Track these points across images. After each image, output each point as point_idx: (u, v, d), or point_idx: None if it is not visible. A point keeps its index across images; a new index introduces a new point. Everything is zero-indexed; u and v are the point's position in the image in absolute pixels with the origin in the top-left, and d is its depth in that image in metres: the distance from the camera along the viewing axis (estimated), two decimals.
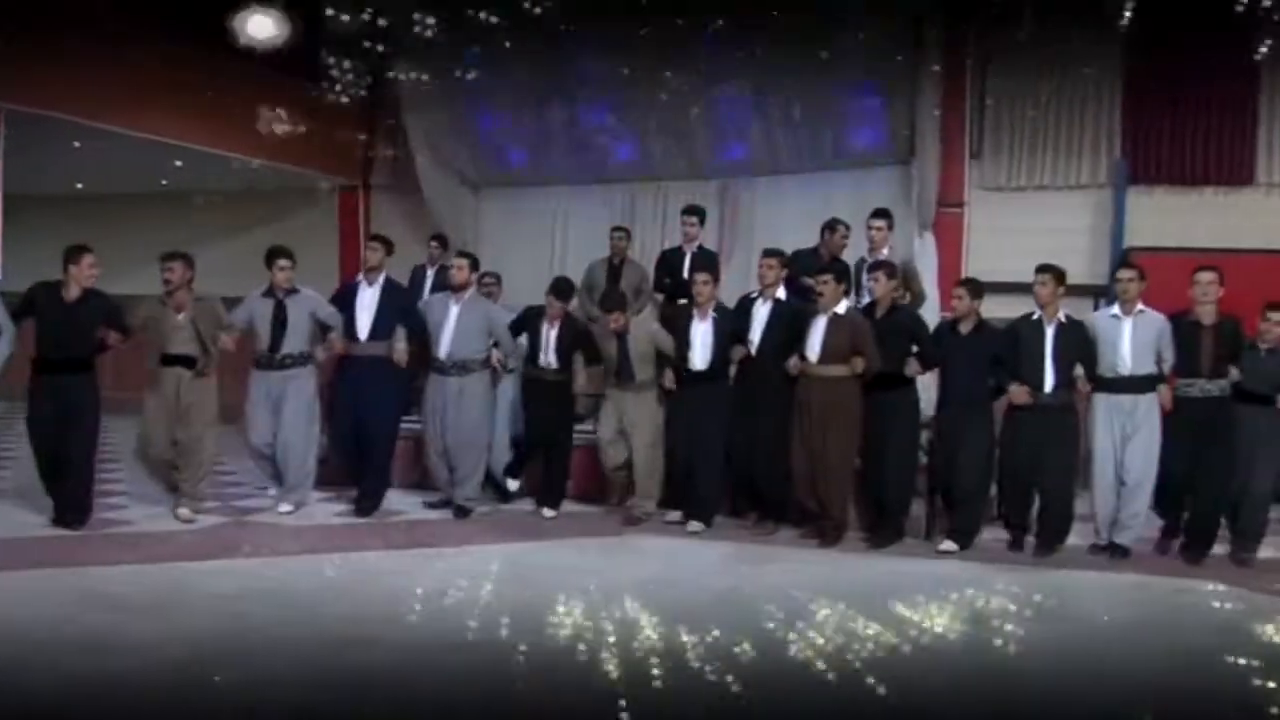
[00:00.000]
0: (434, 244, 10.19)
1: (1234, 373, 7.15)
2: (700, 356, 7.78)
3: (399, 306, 8.06)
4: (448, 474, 8.12)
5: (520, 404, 8.47)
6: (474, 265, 8.22)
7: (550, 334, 8.07)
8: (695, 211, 9.01)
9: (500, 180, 12.23)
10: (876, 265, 7.66)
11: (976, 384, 7.32)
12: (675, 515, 7.94)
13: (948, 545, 7.27)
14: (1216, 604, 6.20)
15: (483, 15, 9.38)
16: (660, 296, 8.75)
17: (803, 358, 7.43)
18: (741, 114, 10.83)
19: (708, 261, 8.71)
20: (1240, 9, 9.25)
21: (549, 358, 8.09)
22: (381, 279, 8.01)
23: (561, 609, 5.49)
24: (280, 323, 7.76)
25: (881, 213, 8.43)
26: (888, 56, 10.20)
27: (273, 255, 7.82)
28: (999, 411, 7.46)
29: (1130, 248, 10.17)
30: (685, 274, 8.61)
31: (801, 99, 10.49)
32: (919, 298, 8.41)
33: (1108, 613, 5.92)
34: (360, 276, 8.06)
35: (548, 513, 8.15)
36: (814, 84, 10.35)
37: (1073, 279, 8.10)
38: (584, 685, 4.39)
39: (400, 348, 7.96)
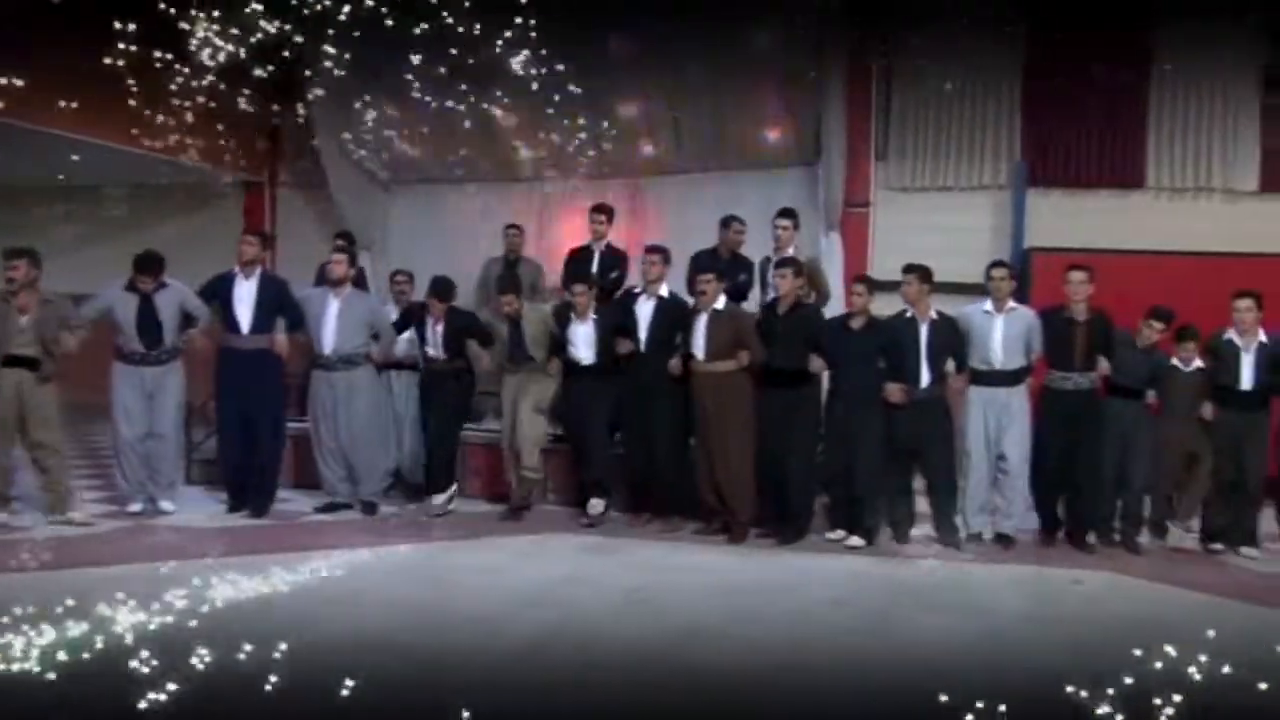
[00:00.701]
0: (341, 242, 10.07)
1: (1104, 365, 7.44)
2: (584, 354, 7.86)
3: (277, 299, 7.95)
4: (343, 473, 8.06)
5: (420, 400, 8.44)
6: (351, 261, 8.20)
7: (436, 329, 8.10)
8: (603, 209, 9.06)
9: (410, 178, 12.13)
10: (783, 262, 7.76)
11: (868, 380, 7.46)
12: (586, 518, 7.94)
13: (855, 540, 7.39)
14: (1094, 592, 6.42)
15: (392, 11, 9.31)
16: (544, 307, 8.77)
17: (690, 357, 7.51)
18: (651, 114, 10.88)
19: (616, 260, 8.77)
20: (1132, 17, 9.61)
21: (438, 352, 8.12)
22: (258, 272, 7.91)
23: (474, 610, 5.48)
24: (151, 318, 7.64)
25: (787, 212, 8.54)
26: (795, 58, 10.32)
27: (139, 268, 7.64)
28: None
29: (1030, 248, 10.45)
30: (594, 272, 8.67)
31: (710, 100, 10.57)
32: (825, 296, 8.53)
33: (1001, 603, 6.07)
34: (236, 270, 7.92)
35: (440, 499, 8.12)
36: (722, 85, 10.44)
37: (974, 278, 8.32)
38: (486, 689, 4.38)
39: (281, 339, 7.88)
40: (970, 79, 10.96)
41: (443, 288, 8.15)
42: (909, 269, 7.58)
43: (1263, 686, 4.58)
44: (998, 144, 11.06)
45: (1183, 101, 10.80)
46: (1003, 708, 4.15)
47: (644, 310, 7.81)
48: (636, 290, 7.97)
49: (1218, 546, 7.62)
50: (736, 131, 10.86)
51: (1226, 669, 4.80)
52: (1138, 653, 4.97)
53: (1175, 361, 7.65)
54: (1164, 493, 7.79)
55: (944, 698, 4.24)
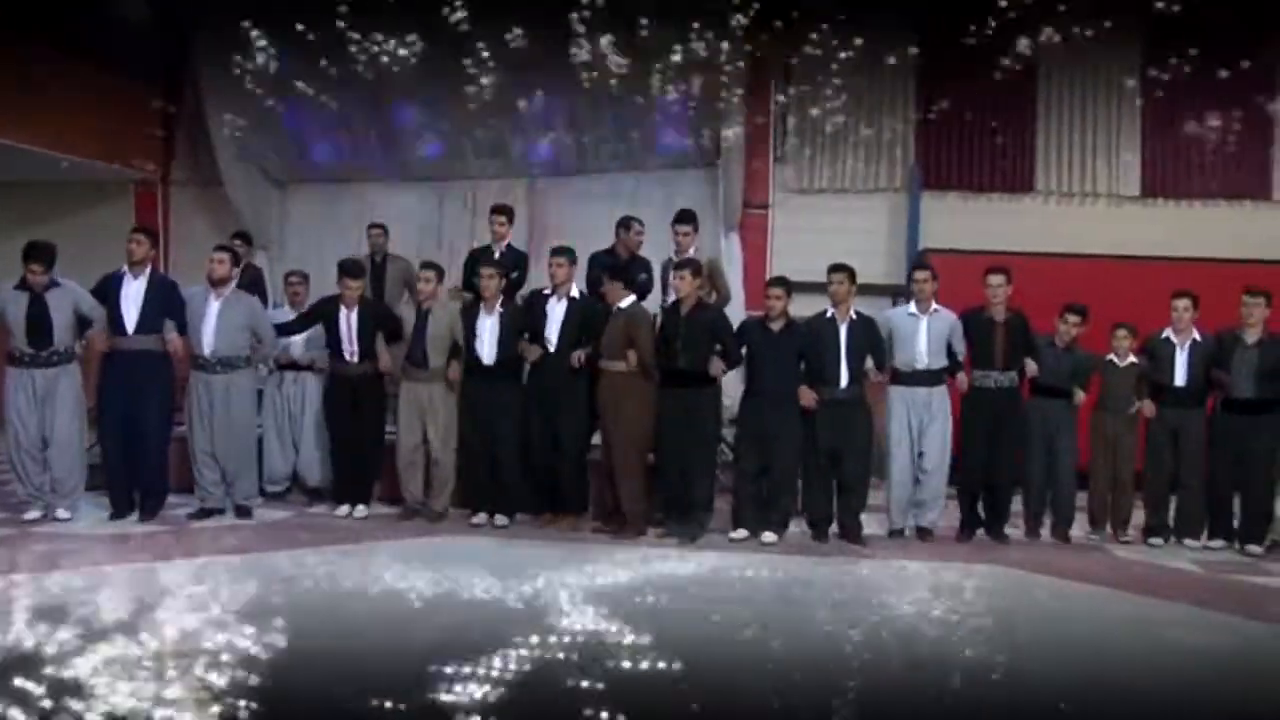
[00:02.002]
0: (237, 241, 9.90)
1: (1031, 366, 7.70)
2: (488, 350, 7.81)
3: (166, 299, 7.74)
4: (216, 477, 7.90)
5: (323, 405, 8.34)
6: (235, 260, 8.06)
7: (350, 319, 7.97)
8: (503, 211, 9.01)
9: (307, 177, 11.96)
10: (682, 263, 7.80)
11: (787, 379, 7.55)
12: (480, 518, 7.91)
13: (769, 536, 7.47)
14: (986, 586, 6.54)
15: (289, 8, 9.18)
16: (469, 295, 8.71)
17: (588, 355, 7.56)
18: (551, 114, 10.87)
19: (516, 261, 8.74)
20: (1021, 24, 9.85)
21: (351, 347, 7.99)
22: (147, 271, 7.70)
23: (375, 616, 5.41)
24: (41, 318, 7.45)
25: (686, 217, 8.56)
26: (694, 60, 10.38)
27: (28, 256, 7.45)
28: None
29: (924, 249, 10.66)
30: None
31: (610, 100, 10.59)
32: (725, 297, 8.60)
33: (912, 598, 6.13)
34: (124, 269, 7.71)
35: (360, 511, 8.05)
36: (623, 85, 10.45)
37: (871, 279, 8.51)
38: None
39: (173, 338, 7.70)
40: (866, 83, 11.15)
41: (353, 267, 8.06)
42: (836, 269, 7.71)
43: (1135, 677, 4.73)
44: (893, 147, 11.31)
45: (1069, 108, 11.18)
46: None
47: (555, 311, 7.81)
48: (546, 291, 7.95)
49: (1156, 541, 7.86)
50: (636, 132, 10.90)
51: (1113, 662, 4.96)
52: (1017, 644, 5.12)
53: (1111, 356, 7.93)
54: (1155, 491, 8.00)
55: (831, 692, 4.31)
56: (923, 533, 7.83)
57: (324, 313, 8.11)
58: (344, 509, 8.10)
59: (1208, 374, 7.79)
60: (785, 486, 7.63)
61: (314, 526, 7.81)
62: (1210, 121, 10.85)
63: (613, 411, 7.55)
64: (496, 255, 8.74)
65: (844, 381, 7.52)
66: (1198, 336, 7.79)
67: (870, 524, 7.84)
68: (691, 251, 8.39)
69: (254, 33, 9.37)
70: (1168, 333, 7.85)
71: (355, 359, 8.02)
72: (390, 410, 8.22)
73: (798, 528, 7.77)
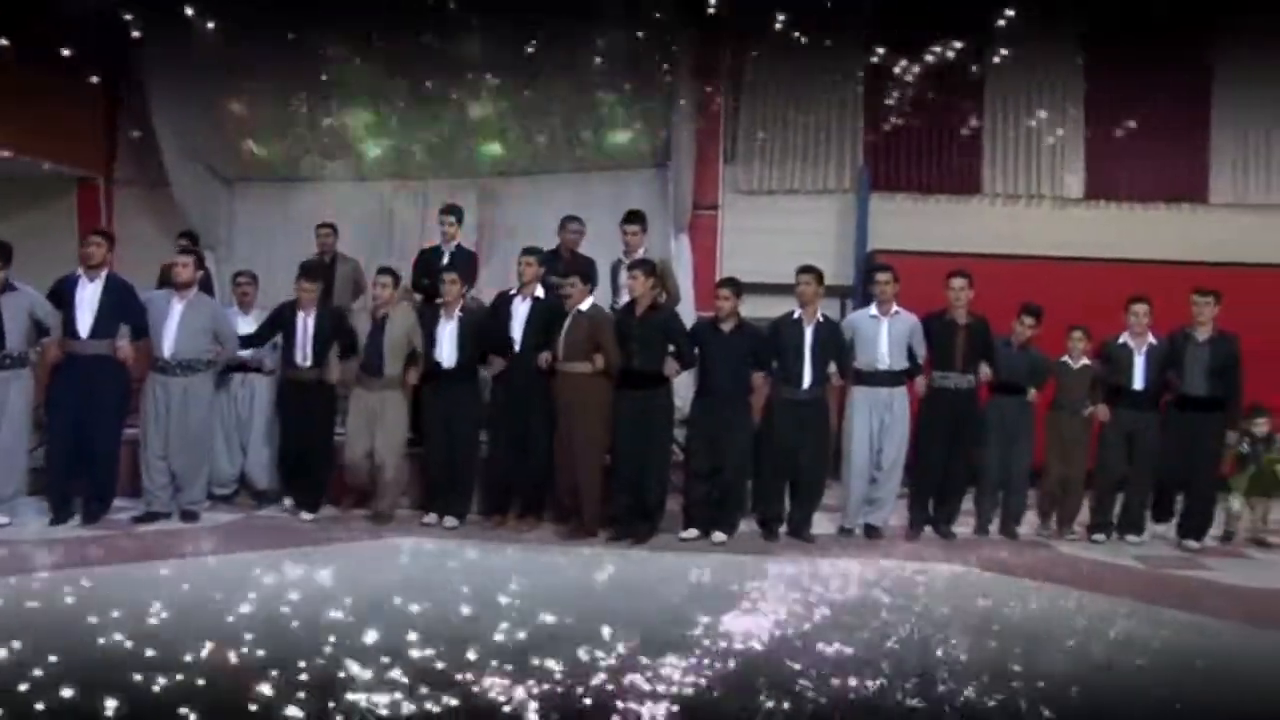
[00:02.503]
0: (184, 241, 9.79)
1: (985, 371, 7.81)
2: (447, 355, 7.79)
3: (123, 303, 7.65)
4: (165, 481, 7.81)
5: (275, 408, 8.28)
6: (199, 263, 8.00)
7: (307, 323, 7.94)
8: (453, 211, 8.98)
9: (255, 176, 11.84)
10: (636, 264, 7.83)
11: (737, 380, 7.60)
12: (431, 518, 7.89)
13: (719, 536, 7.51)
14: (936, 583, 6.63)
15: (236, 5, 9.10)
16: (419, 296, 8.69)
17: (555, 356, 7.55)
18: (501, 114, 10.84)
19: (465, 261, 8.72)
20: (968, 26, 9.98)
21: (306, 351, 7.94)
22: (104, 275, 7.60)
23: (327, 617, 5.37)
24: None
25: (635, 217, 8.61)
26: (644, 60, 10.41)
27: None
28: (756, 406, 7.80)
29: (873, 250, 10.76)
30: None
31: (560, 101, 10.59)
32: (674, 298, 8.62)
33: (860, 596, 6.22)
34: (79, 271, 7.61)
35: (305, 515, 7.99)
36: (572, 86, 10.47)
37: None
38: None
39: (124, 345, 7.60)
40: (815, 84, 11.24)
41: (313, 267, 8.02)
42: (804, 270, 7.77)
43: (1077, 667, 4.80)
44: (842, 149, 11.41)
45: (1015, 111, 11.33)
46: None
47: (519, 311, 7.79)
48: (511, 292, 7.93)
49: (1099, 538, 7.98)
50: (587, 133, 10.90)
51: (1059, 654, 5.03)
52: (964, 640, 5.18)
53: (1065, 358, 8.05)
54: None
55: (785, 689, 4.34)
56: (872, 531, 7.90)
57: (282, 319, 8.07)
58: (290, 510, 8.07)
59: (1163, 376, 7.92)
60: (736, 486, 7.68)
61: (264, 528, 7.74)
62: (1149, 126, 11.09)
63: (575, 413, 7.54)
64: (446, 255, 8.72)
65: (807, 383, 7.59)
66: (1153, 340, 7.93)
67: (821, 523, 7.90)
68: (641, 252, 8.42)
69: (200, 31, 9.27)
70: (1124, 337, 7.97)
71: (308, 364, 7.97)
72: (340, 414, 8.18)
73: (748, 527, 7.81)
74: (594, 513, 7.64)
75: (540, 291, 7.87)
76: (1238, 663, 5.07)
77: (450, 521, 7.82)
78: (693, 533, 7.58)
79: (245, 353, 8.29)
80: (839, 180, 11.40)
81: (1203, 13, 10.69)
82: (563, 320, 7.60)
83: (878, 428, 7.81)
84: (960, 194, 11.41)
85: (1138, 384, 7.91)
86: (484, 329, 7.88)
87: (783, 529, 7.77)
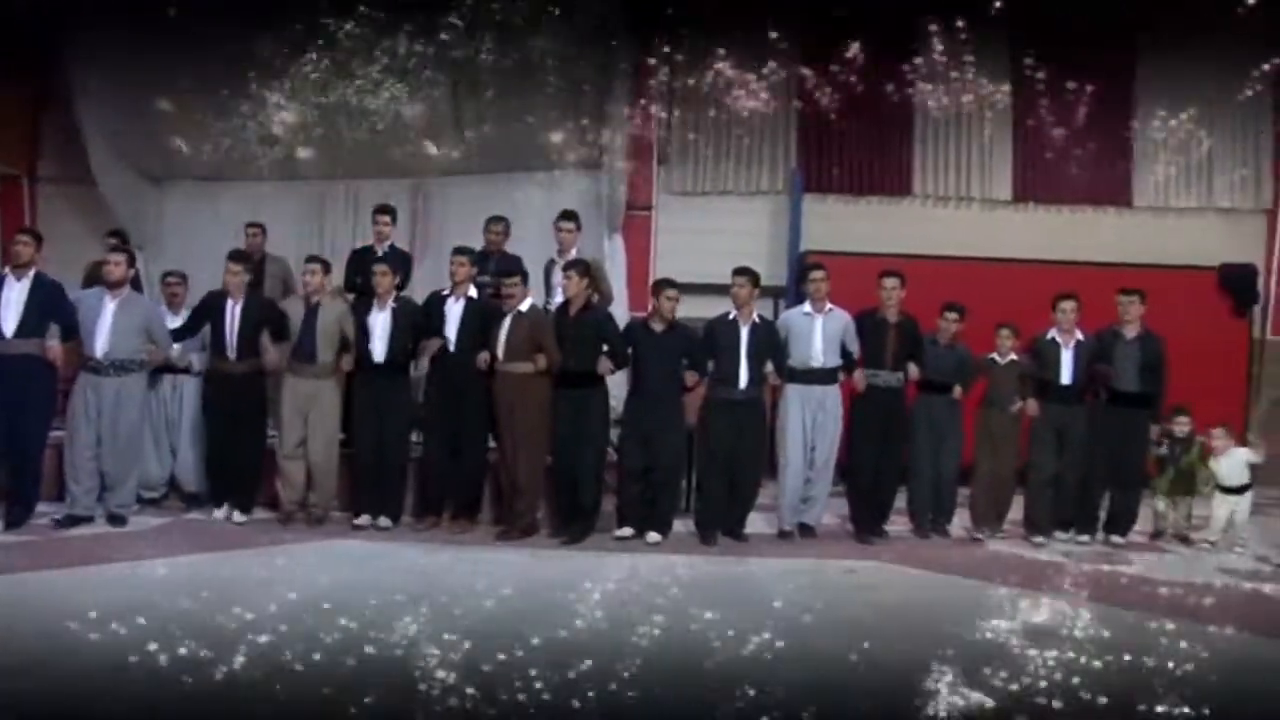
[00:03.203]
0: (112, 240, 9.63)
1: (914, 370, 7.91)
2: (379, 348, 7.75)
3: (51, 303, 7.49)
4: (91, 484, 7.64)
5: (201, 404, 8.16)
6: (131, 261, 7.86)
7: (235, 311, 7.82)
8: (388, 210, 8.93)
9: (185, 174, 11.66)
10: (570, 264, 7.84)
11: (671, 380, 7.63)
12: (364, 519, 7.81)
13: (654, 536, 7.53)
14: (866, 580, 6.72)
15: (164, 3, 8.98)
16: (351, 295, 8.62)
17: (495, 356, 7.53)
18: (433, 114, 10.78)
19: (399, 261, 8.67)
20: (898, 29, 10.12)
21: (233, 342, 7.81)
22: (31, 274, 7.44)
23: (260, 622, 5.29)
24: None
25: (569, 215, 8.63)
26: (579, 61, 10.41)
27: None
28: (692, 406, 7.84)
29: (805, 251, 10.86)
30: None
31: (494, 100, 10.55)
32: (607, 298, 8.63)
33: (790, 595, 6.24)
34: (5, 270, 7.46)
35: (238, 516, 7.88)
36: (506, 86, 10.43)
37: None
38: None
39: (54, 345, 7.45)
40: (748, 86, 11.30)
41: (241, 253, 7.90)
42: (739, 272, 7.81)
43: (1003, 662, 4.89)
44: (774, 151, 11.52)
45: (944, 113, 11.47)
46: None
47: (453, 310, 7.75)
48: (445, 291, 7.89)
49: (1040, 540, 8.06)
50: (520, 133, 10.86)
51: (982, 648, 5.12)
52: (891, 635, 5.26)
53: (994, 355, 8.15)
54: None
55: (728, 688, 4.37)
56: (806, 530, 7.96)
57: (211, 309, 7.93)
58: (221, 512, 7.95)
59: (1090, 371, 8.07)
60: (669, 486, 7.71)
61: (193, 532, 7.61)
62: (1075, 131, 11.33)
63: (516, 413, 7.53)
64: (379, 255, 8.66)
65: (744, 383, 7.63)
66: (1081, 336, 8.08)
67: (758, 523, 7.95)
68: (574, 251, 8.43)
69: (128, 28, 9.14)
70: (1053, 333, 8.12)
71: (236, 355, 7.85)
72: (272, 414, 8.07)
73: (684, 527, 7.84)
74: (532, 513, 7.64)
75: (473, 291, 7.84)
76: (1145, 653, 5.18)
77: (384, 522, 7.77)
78: (627, 531, 7.59)
79: (175, 349, 8.15)
80: (772, 181, 11.51)
81: (1126, 21, 10.95)
82: (500, 320, 7.58)
83: (811, 425, 7.86)
84: (891, 195, 11.58)
85: (1066, 379, 8.05)
86: (418, 324, 7.83)
87: (719, 529, 7.79)
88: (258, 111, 10.44)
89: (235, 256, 8.01)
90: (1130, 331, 8.05)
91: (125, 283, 7.69)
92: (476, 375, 7.63)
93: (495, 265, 8.37)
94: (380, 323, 7.78)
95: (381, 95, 10.22)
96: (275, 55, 9.70)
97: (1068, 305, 8.07)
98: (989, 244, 11.09)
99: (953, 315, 8.12)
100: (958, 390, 8.13)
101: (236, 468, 7.99)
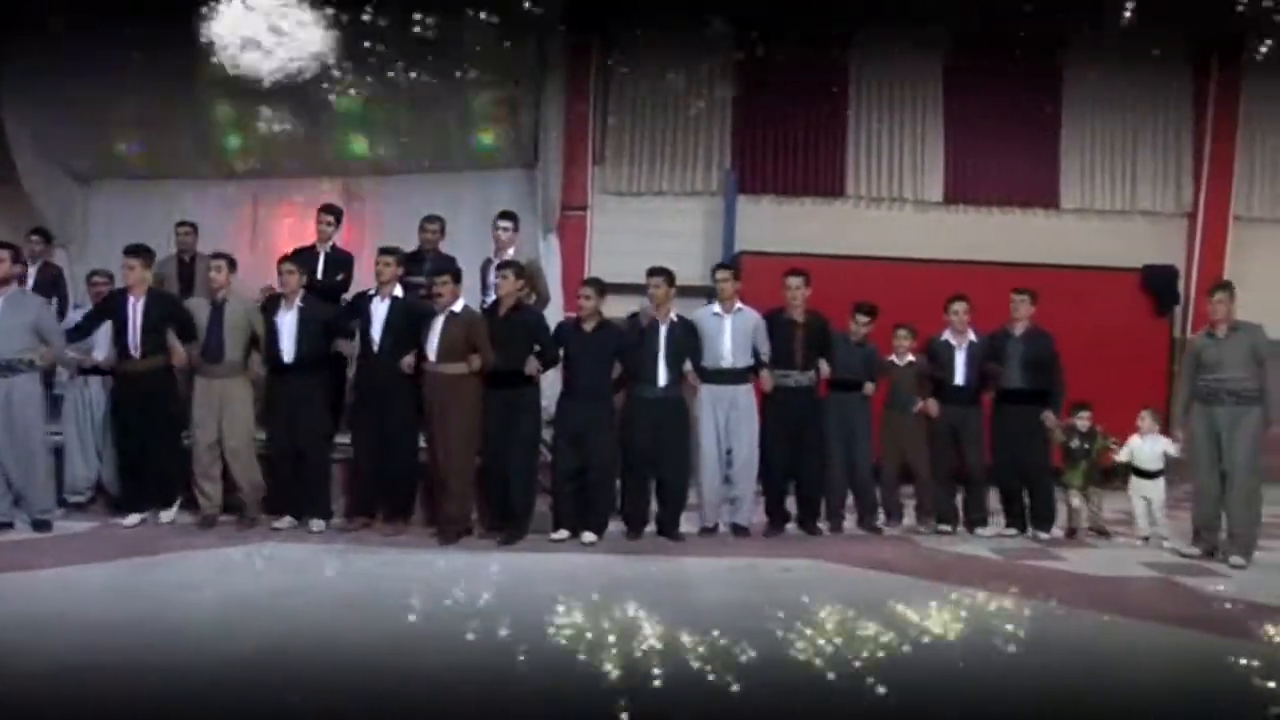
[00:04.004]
0: (35, 239, 9.46)
1: (825, 368, 7.95)
2: (287, 348, 7.68)
3: None
4: (3, 489, 7.47)
5: (109, 405, 8.01)
6: (15, 257, 7.58)
7: (136, 308, 7.64)
8: (332, 211, 8.87)
9: (113, 173, 11.48)
10: (504, 264, 7.83)
11: (600, 379, 7.65)
12: (285, 521, 7.73)
13: (589, 536, 7.53)
14: (801, 578, 6.72)
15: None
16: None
17: (424, 357, 7.50)
18: (367, 112, 10.72)
19: (341, 262, 8.62)
20: (831, 31, 10.23)
21: (137, 339, 7.62)
22: None
23: (186, 627, 5.22)
24: None
25: (507, 214, 8.63)
26: (514, 61, 10.40)
27: None
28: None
29: (740, 251, 10.93)
30: (319, 274, 8.51)
31: (428, 99, 10.51)
32: (544, 298, 8.65)
33: (721, 594, 6.28)
34: None
35: (164, 516, 7.77)
36: (441, 85, 10.39)
37: (688, 280, 8.67)
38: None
39: None
40: (684, 87, 11.39)
41: (142, 249, 7.71)
42: (654, 272, 7.82)
43: (938, 656, 4.97)
44: (710, 151, 11.59)
45: (878, 116, 11.66)
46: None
47: (378, 310, 7.69)
48: (370, 291, 7.84)
49: (946, 528, 8.20)
50: (455, 133, 10.85)
51: (920, 643, 5.19)
52: (835, 631, 5.32)
53: (892, 357, 8.25)
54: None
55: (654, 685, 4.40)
56: (738, 530, 7.99)
57: (111, 307, 7.75)
58: (134, 518, 7.72)
59: (981, 371, 8.21)
60: (603, 486, 7.70)
61: (117, 538, 7.41)
62: (1005, 135, 11.57)
63: (449, 413, 7.49)
64: (322, 256, 8.61)
65: (662, 381, 7.66)
66: (974, 337, 8.20)
67: (692, 521, 7.98)
68: (511, 251, 8.42)
69: (56, 26, 8.98)
70: (946, 334, 8.23)
71: (140, 353, 7.65)
72: (186, 404, 7.91)
73: (618, 527, 7.86)
74: (465, 514, 7.62)
75: (399, 291, 7.79)
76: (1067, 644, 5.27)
77: (317, 525, 7.70)
78: (563, 534, 7.59)
79: (100, 355, 7.99)
80: (707, 182, 11.58)
81: (1054, 29, 11.18)
82: (429, 320, 7.54)
83: (724, 425, 7.87)
84: (825, 196, 11.69)
85: (959, 379, 8.17)
86: (328, 324, 7.77)
87: (650, 528, 7.82)
88: (188, 109, 10.31)
89: (130, 250, 7.72)
90: (1018, 329, 8.16)
91: (11, 280, 7.46)
92: (401, 376, 7.58)
93: (430, 265, 8.33)
94: (287, 323, 7.69)
95: (313, 92, 10.14)
96: (205, 52, 9.57)
97: (959, 306, 8.16)
98: (921, 244, 11.25)
99: (863, 317, 8.18)
100: (869, 387, 8.19)
101: (151, 469, 7.78)
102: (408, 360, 7.52)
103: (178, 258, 9.21)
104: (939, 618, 5.70)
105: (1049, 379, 8.11)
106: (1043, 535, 8.13)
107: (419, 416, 7.70)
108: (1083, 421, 8.28)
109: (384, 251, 7.85)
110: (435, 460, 7.60)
